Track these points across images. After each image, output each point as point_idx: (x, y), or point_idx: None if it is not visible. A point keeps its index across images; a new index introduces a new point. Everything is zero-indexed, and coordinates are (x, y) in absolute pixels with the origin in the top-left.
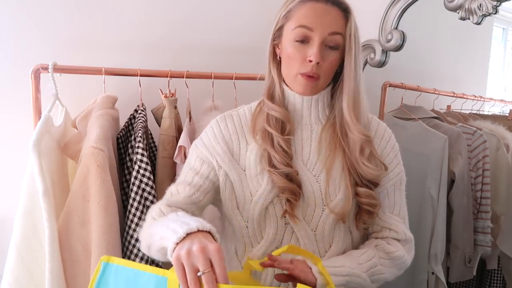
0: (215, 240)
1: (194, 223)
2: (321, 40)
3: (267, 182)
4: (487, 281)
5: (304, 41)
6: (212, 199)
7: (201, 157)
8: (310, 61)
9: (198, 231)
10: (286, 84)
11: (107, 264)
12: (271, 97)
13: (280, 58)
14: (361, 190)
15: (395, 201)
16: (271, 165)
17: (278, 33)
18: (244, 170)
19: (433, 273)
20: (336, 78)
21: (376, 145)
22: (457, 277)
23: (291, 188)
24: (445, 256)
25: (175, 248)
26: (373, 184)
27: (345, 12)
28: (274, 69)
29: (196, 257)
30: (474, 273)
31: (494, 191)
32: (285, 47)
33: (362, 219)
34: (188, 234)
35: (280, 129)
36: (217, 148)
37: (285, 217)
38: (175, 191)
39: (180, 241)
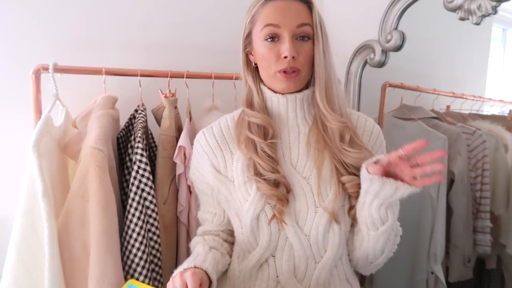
0: (210, 278)
1: (196, 262)
2: (291, 34)
3: (256, 191)
4: (486, 280)
5: (274, 38)
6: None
7: (200, 180)
8: (285, 57)
9: (195, 267)
10: (267, 87)
11: (131, 286)
12: (250, 105)
13: (255, 64)
14: (345, 178)
15: None
16: (257, 173)
17: (247, 40)
18: (233, 181)
19: (432, 272)
20: None
21: (365, 141)
22: (456, 277)
23: (277, 194)
24: (444, 256)
25: None
26: (359, 170)
27: (308, 4)
28: (250, 77)
29: (176, 280)
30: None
31: (491, 191)
32: (257, 50)
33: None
34: (185, 269)
35: (262, 135)
36: (204, 170)
37: (277, 223)
38: (202, 219)
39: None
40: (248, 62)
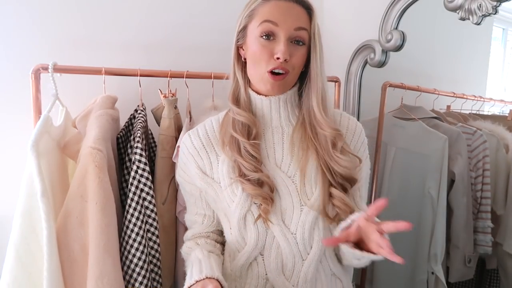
0: (222, 286)
1: (205, 271)
2: (287, 36)
3: (241, 191)
4: (487, 281)
5: (269, 36)
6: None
7: (187, 181)
8: (278, 58)
9: (206, 278)
10: (251, 88)
11: None
12: (236, 101)
13: (244, 59)
14: (335, 192)
15: (365, 194)
16: (241, 174)
17: (241, 34)
18: (219, 183)
19: (433, 273)
20: (302, 77)
21: (348, 140)
22: (457, 277)
23: (262, 194)
24: (445, 256)
25: None
26: (349, 181)
27: (308, 10)
28: (239, 72)
29: None
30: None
31: (493, 191)
32: (250, 46)
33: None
34: (197, 281)
35: (246, 134)
36: (190, 172)
37: (264, 222)
38: (191, 221)
39: (190, 286)
40: (238, 56)
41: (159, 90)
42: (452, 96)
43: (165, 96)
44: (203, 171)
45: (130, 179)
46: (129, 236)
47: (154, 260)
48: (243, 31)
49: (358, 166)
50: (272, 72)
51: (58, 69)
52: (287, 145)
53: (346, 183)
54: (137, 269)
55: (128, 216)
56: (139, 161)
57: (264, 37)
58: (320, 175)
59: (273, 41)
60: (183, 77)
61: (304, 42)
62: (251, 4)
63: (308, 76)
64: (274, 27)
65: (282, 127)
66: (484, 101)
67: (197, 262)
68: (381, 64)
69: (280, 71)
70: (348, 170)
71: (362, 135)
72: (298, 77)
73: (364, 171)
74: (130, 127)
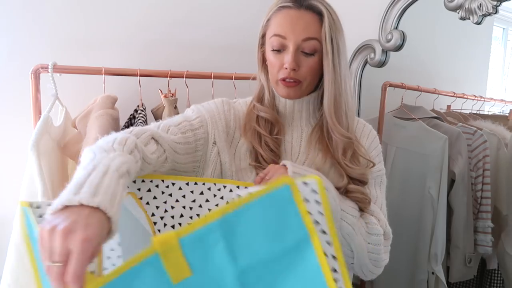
0: (112, 225)
1: (87, 192)
2: (296, 47)
3: (255, 176)
4: (487, 281)
5: (280, 50)
6: (182, 167)
7: (201, 119)
8: (286, 68)
9: (82, 204)
10: None
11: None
12: (260, 100)
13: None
14: (351, 187)
15: (377, 195)
16: (257, 161)
17: (262, 40)
18: (234, 158)
19: (433, 273)
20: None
21: (363, 143)
22: (457, 277)
23: None
24: (445, 256)
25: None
26: (361, 182)
27: (320, 15)
28: (263, 75)
29: (55, 241)
30: (475, 273)
31: (496, 190)
32: (267, 54)
33: None
34: (67, 206)
35: (269, 129)
36: (218, 122)
37: None
38: (165, 127)
39: (61, 210)
40: (263, 60)
41: (159, 90)
42: (452, 96)
43: (165, 96)
44: (227, 135)
45: None
46: None
47: None
48: (263, 37)
49: (368, 170)
50: (284, 80)
51: (57, 69)
52: (304, 144)
53: (359, 183)
54: None
55: None
56: None
57: (275, 51)
58: (334, 175)
59: (283, 52)
60: (183, 77)
61: (314, 52)
62: (269, 11)
63: (322, 82)
64: (283, 40)
65: (301, 127)
66: (484, 100)
67: (98, 173)
68: (381, 64)
69: (291, 80)
70: (360, 176)
71: (375, 142)
72: (315, 82)
73: (372, 173)
74: (130, 127)
